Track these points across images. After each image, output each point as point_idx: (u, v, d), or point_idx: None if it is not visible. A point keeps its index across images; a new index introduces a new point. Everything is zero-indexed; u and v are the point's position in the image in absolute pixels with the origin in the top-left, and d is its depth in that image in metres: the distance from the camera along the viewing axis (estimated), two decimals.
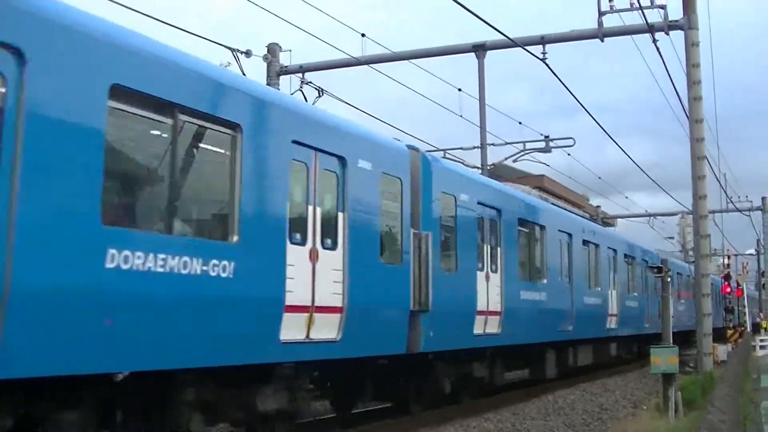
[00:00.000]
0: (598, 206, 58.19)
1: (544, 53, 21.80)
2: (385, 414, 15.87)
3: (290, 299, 10.77)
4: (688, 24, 21.55)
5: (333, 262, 11.72)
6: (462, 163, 22.46)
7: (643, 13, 21.13)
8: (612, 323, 25.94)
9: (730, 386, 20.78)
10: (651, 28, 21.47)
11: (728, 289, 47.87)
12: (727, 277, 49.22)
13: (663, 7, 21.76)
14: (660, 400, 16.27)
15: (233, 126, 10.01)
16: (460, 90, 25.17)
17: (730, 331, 41.77)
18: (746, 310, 56.79)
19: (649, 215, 54.67)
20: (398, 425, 14.97)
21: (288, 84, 22.80)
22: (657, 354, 15.93)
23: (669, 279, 19.70)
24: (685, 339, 36.34)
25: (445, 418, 15.71)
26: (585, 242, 23.83)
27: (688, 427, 13.81)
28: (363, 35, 21.83)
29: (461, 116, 25.08)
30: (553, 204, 23.37)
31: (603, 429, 15.71)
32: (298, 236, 11.10)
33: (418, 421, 15.24)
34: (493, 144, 27.28)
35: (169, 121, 9.23)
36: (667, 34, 21.98)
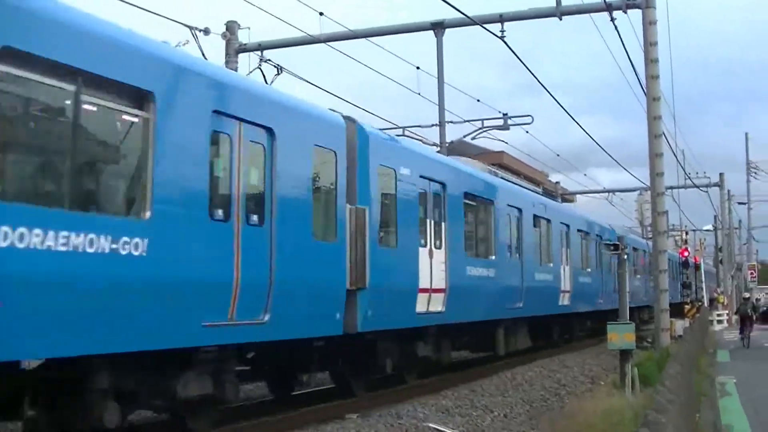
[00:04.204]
0: (557, 182, 58.35)
1: (502, 31, 21.72)
2: (331, 395, 15.31)
3: (214, 279, 10.19)
4: (645, 3, 21.62)
5: (260, 239, 11.12)
6: (422, 141, 21.97)
7: None
8: (564, 300, 25.58)
9: (682, 363, 20.77)
10: (609, 7, 21.42)
11: (686, 253, 48.26)
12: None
13: None
14: (617, 377, 16.24)
15: (145, 94, 9.35)
16: (418, 68, 25.05)
17: (687, 306, 42.02)
18: (703, 285, 57.22)
19: (608, 191, 54.77)
20: (353, 405, 14.51)
21: (247, 62, 22.78)
22: (614, 330, 15.98)
23: (626, 256, 19.40)
24: (642, 314, 36.52)
25: (402, 397, 15.62)
26: (536, 217, 23.37)
27: (643, 404, 13.59)
28: (321, 14, 21.73)
29: (419, 94, 24.96)
30: (503, 178, 22.80)
31: (561, 405, 15.72)
32: (220, 212, 10.49)
33: (375, 401, 14.94)
34: (451, 122, 27.25)
35: (71, 87, 8.57)
36: (625, 12, 21.93)
